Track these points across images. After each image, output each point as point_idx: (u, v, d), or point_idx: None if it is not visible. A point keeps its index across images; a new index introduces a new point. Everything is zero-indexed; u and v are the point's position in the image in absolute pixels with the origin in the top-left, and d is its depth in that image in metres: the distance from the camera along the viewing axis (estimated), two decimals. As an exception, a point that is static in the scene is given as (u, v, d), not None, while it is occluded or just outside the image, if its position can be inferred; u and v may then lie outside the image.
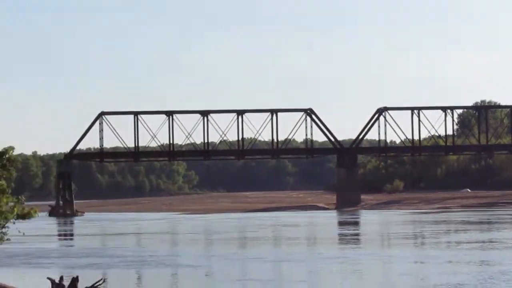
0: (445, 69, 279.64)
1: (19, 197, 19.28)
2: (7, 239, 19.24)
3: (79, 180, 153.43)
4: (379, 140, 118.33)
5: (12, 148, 18.71)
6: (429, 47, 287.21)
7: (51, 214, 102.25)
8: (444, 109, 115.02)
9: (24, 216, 18.99)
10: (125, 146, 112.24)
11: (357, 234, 57.90)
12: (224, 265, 32.39)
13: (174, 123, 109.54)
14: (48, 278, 18.38)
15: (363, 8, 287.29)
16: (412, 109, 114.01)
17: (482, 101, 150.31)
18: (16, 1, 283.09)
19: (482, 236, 50.07)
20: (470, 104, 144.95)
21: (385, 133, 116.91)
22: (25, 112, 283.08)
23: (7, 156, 18.73)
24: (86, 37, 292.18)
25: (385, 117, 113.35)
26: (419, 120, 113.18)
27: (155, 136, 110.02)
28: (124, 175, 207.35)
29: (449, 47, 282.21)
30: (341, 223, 74.75)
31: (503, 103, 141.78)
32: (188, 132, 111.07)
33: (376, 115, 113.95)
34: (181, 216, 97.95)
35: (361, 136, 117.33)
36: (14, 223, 18.84)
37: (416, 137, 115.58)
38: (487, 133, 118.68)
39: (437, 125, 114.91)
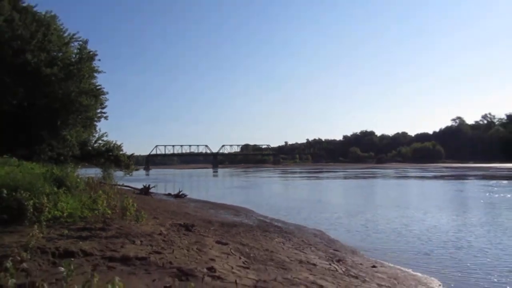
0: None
1: (133, 165, 33.14)
2: (130, 174, 32.13)
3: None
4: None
5: (122, 149, 32.89)
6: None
7: (144, 169, 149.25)
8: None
9: (135, 170, 32.23)
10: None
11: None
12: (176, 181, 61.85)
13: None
14: (143, 185, 27.45)
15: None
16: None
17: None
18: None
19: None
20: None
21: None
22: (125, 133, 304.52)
23: (131, 154, 30.58)
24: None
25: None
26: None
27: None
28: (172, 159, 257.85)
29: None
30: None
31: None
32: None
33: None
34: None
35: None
36: (134, 171, 32.54)
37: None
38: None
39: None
